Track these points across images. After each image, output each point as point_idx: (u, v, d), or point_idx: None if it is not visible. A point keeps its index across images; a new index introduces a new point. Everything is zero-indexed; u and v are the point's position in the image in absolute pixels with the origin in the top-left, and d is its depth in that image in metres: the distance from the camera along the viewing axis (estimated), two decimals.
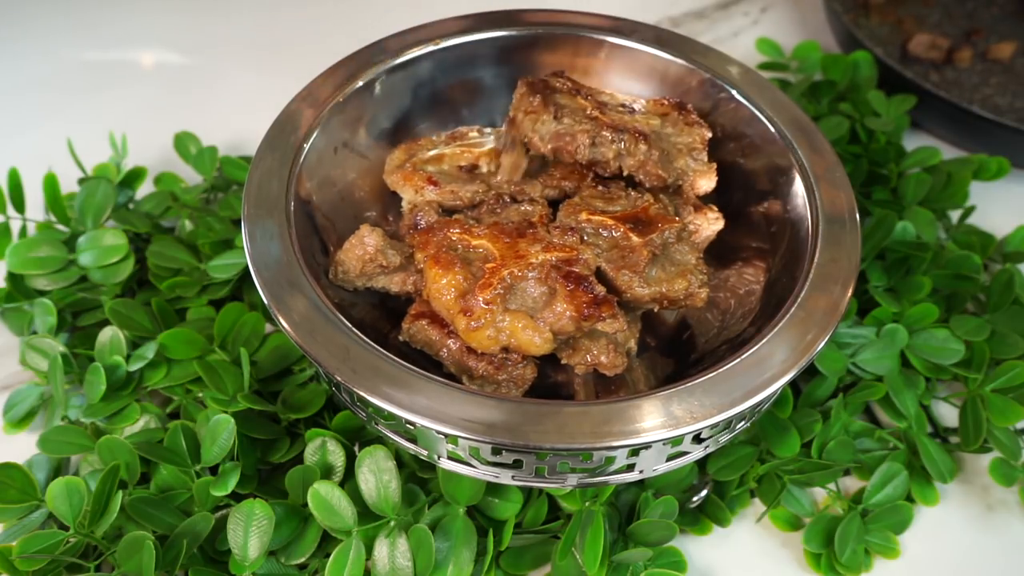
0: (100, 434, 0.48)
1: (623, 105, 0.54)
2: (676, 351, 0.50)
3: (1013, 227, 0.61)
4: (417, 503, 0.45)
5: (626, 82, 0.57)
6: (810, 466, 0.48)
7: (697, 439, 0.42)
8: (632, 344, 0.47)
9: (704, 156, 0.52)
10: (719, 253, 0.52)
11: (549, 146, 0.49)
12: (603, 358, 0.45)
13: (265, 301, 0.42)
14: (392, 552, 0.42)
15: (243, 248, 0.45)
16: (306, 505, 0.43)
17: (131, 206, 0.60)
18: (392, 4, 0.74)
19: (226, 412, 0.46)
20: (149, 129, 0.64)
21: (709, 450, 0.44)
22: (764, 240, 0.51)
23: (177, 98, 0.72)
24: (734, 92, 0.53)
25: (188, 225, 0.58)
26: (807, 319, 0.42)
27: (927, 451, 0.50)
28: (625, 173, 0.50)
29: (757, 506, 0.50)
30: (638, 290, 0.46)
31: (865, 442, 0.51)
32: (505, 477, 0.42)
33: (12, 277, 0.54)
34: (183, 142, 0.62)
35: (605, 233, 0.48)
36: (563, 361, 0.46)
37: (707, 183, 0.50)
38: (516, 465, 0.41)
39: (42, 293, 0.55)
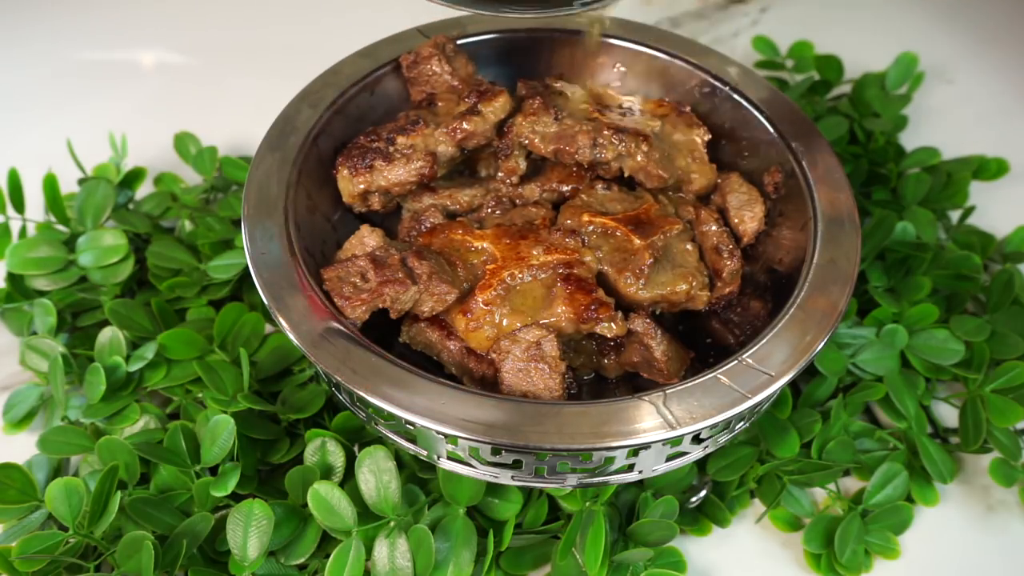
0: (100, 434, 0.48)
1: (622, 107, 0.54)
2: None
3: (1013, 227, 0.61)
4: (417, 503, 0.45)
5: (626, 83, 0.57)
6: (810, 466, 0.48)
7: (696, 439, 0.42)
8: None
9: (704, 157, 0.52)
10: None
11: (550, 147, 0.49)
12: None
13: (265, 301, 0.42)
14: (392, 552, 0.42)
15: (243, 248, 0.45)
16: (306, 505, 0.43)
17: (131, 206, 0.60)
18: (392, 5, 0.74)
19: (226, 412, 0.46)
20: (149, 129, 0.64)
21: (708, 450, 0.44)
22: (763, 241, 0.51)
23: (177, 98, 0.72)
24: (733, 93, 0.53)
25: (188, 225, 0.58)
26: (806, 320, 0.42)
27: (927, 451, 0.50)
28: (626, 174, 0.50)
29: (757, 506, 0.50)
30: (640, 293, 0.46)
31: (865, 442, 0.51)
32: (505, 477, 0.42)
33: (12, 277, 0.54)
34: (183, 142, 0.62)
35: (607, 235, 0.48)
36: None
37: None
38: (516, 465, 0.41)
39: (42, 293, 0.55)
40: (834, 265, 0.45)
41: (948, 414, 0.54)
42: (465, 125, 0.49)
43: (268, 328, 0.53)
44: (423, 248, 0.46)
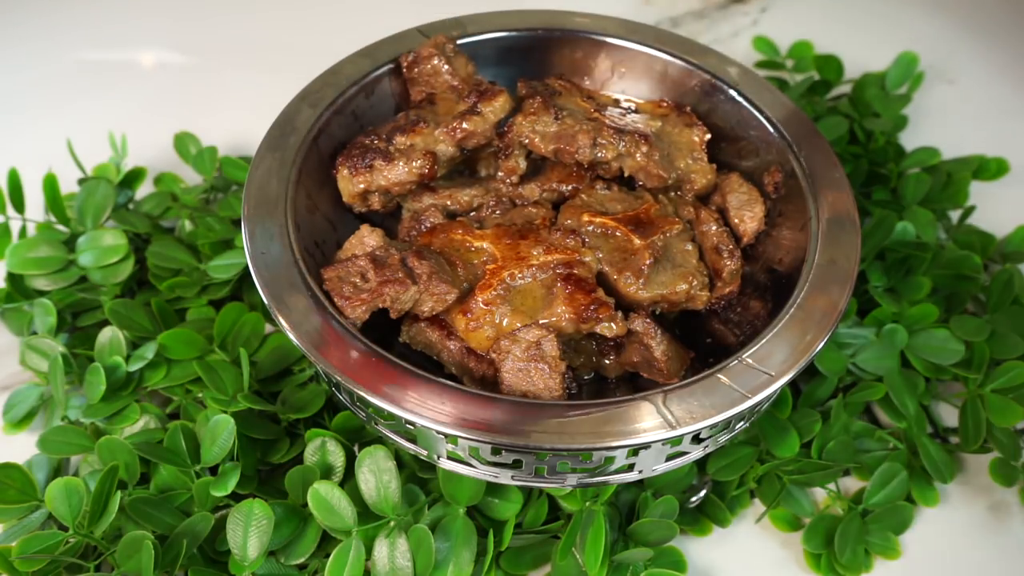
0: (100, 434, 0.48)
1: (622, 106, 0.54)
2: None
3: (1013, 227, 0.61)
4: (417, 503, 0.45)
5: (626, 83, 0.57)
6: (810, 466, 0.48)
7: (696, 439, 0.42)
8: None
9: (704, 157, 0.52)
10: None
11: (550, 147, 0.49)
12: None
13: (265, 301, 0.42)
14: (392, 552, 0.42)
15: (243, 248, 0.45)
16: (306, 505, 0.43)
17: (131, 206, 0.60)
18: (393, 5, 0.74)
19: (226, 412, 0.46)
20: (149, 129, 0.64)
21: (708, 450, 0.44)
22: (763, 241, 0.51)
23: (177, 98, 0.72)
24: (733, 93, 0.53)
25: (188, 225, 0.58)
26: (806, 319, 0.42)
27: (927, 451, 0.50)
28: (626, 174, 0.50)
29: (757, 506, 0.50)
30: (640, 293, 0.46)
31: (865, 442, 0.51)
32: (505, 477, 0.42)
33: (12, 277, 0.54)
34: (183, 142, 0.62)
35: (607, 235, 0.48)
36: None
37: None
38: (516, 465, 0.41)
39: (42, 293, 0.55)
40: (834, 265, 0.45)
41: (948, 414, 0.54)
42: (465, 125, 0.49)
43: (268, 328, 0.53)
44: (423, 248, 0.46)
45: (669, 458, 0.42)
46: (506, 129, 0.50)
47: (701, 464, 0.49)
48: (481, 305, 0.45)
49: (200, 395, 0.50)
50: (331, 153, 0.51)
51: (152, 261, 0.55)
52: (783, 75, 0.72)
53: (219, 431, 0.45)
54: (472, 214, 0.52)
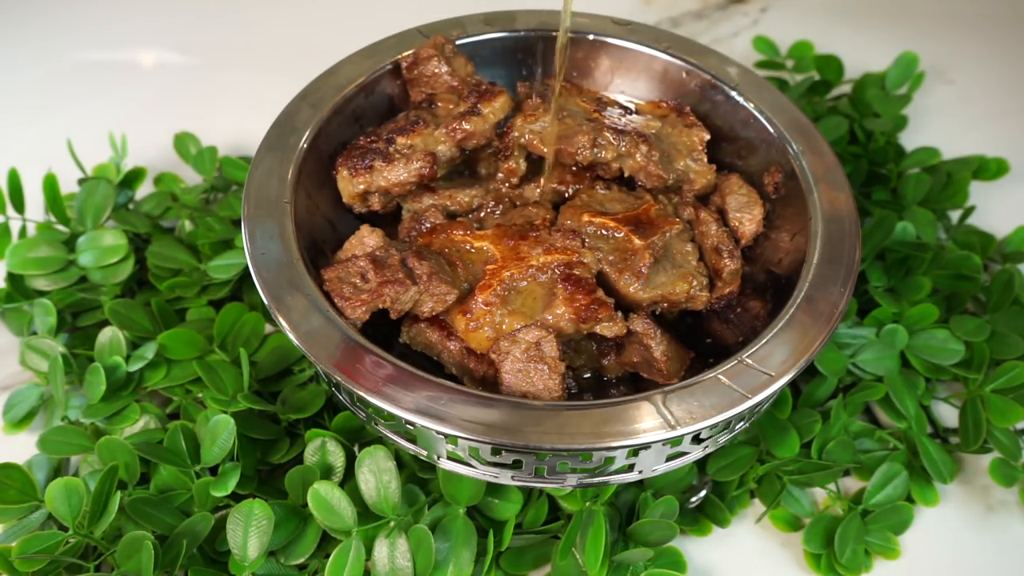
0: (100, 434, 0.48)
1: (622, 107, 0.54)
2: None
3: (1013, 227, 0.61)
4: (417, 503, 0.45)
5: (626, 83, 0.57)
6: (810, 466, 0.48)
7: (696, 439, 0.42)
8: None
9: (703, 157, 0.52)
10: None
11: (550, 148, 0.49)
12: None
13: (265, 301, 0.42)
14: (392, 552, 0.42)
15: (243, 248, 0.45)
16: (306, 505, 0.43)
17: (131, 206, 0.60)
18: (393, 5, 0.74)
19: (226, 412, 0.46)
20: (149, 129, 0.64)
21: (708, 450, 0.44)
22: (763, 242, 0.51)
23: (177, 98, 0.72)
24: (733, 93, 0.53)
25: (188, 225, 0.58)
26: (806, 320, 0.42)
27: (927, 451, 0.50)
28: (626, 175, 0.50)
29: (757, 507, 0.50)
30: (639, 293, 0.46)
31: (865, 442, 0.51)
32: (505, 477, 0.42)
33: (12, 277, 0.54)
34: (183, 142, 0.62)
35: (607, 235, 0.48)
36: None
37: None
38: (516, 465, 0.41)
39: (42, 293, 0.55)
40: (834, 265, 0.45)
41: (948, 414, 0.54)
42: (465, 125, 0.49)
43: (268, 328, 0.53)
44: (423, 248, 0.46)
45: (669, 458, 0.42)
46: (506, 130, 0.50)
47: (701, 464, 0.49)
48: (481, 305, 0.45)
49: (200, 395, 0.50)
50: (331, 153, 0.51)
51: (152, 261, 0.55)
52: (783, 75, 0.72)
53: (219, 431, 0.45)
54: (472, 214, 0.52)
